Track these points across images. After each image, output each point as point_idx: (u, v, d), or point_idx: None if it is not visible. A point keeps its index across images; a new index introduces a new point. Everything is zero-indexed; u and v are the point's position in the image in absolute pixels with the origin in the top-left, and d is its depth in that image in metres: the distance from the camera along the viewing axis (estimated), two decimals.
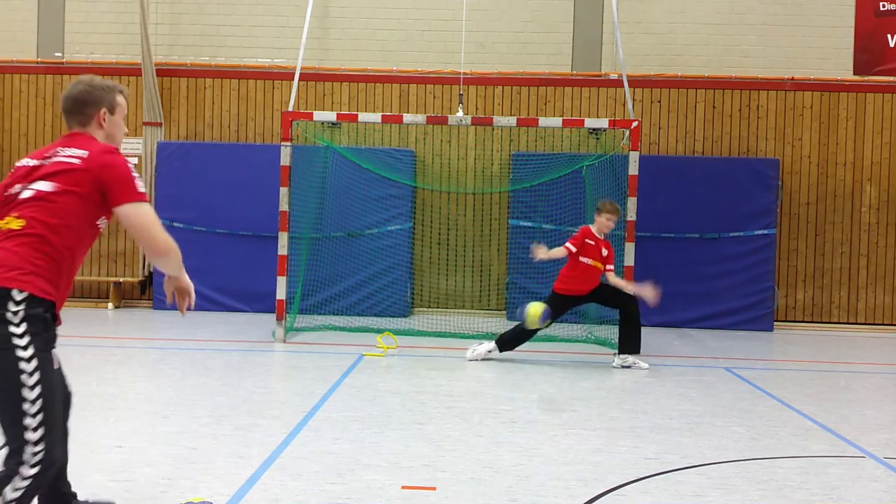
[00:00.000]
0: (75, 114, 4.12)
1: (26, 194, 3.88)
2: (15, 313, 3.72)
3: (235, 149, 14.07)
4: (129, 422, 6.80)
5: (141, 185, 3.97)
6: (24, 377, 3.72)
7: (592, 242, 9.94)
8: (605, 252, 9.96)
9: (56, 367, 3.98)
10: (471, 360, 10.03)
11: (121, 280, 14.18)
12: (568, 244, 9.95)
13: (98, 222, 4.00)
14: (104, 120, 4.13)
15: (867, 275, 14.28)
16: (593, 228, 10.02)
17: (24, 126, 14.54)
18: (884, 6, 12.61)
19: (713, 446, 6.59)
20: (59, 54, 14.46)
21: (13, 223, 3.82)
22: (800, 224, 14.31)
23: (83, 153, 3.92)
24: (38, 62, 14.44)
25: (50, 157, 3.96)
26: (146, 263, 14.29)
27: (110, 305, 13.94)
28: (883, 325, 14.24)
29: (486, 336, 11.88)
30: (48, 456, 3.78)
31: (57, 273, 3.86)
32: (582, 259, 9.90)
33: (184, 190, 13.77)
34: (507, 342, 10.18)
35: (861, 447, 6.71)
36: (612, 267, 10.03)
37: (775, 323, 13.91)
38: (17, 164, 4.09)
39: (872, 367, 11.08)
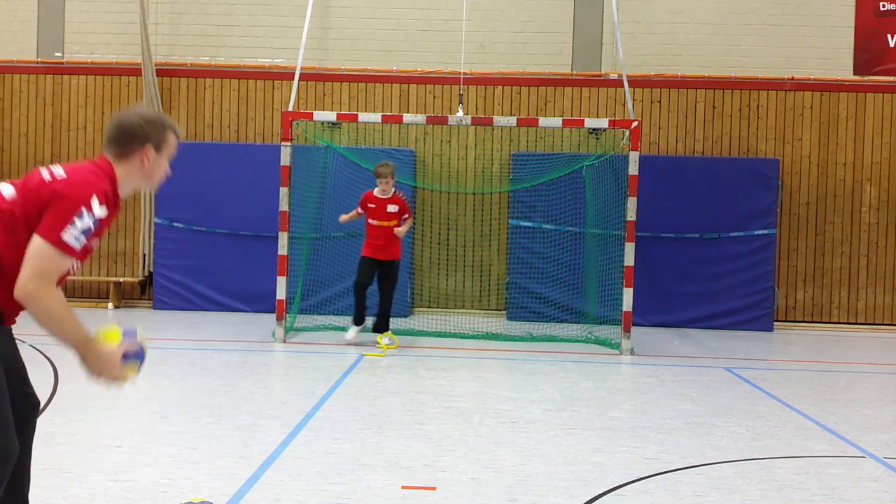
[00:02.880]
0: (117, 143, 3.71)
1: None
2: None
3: (235, 149, 14.07)
4: (129, 422, 6.80)
5: (74, 237, 3.42)
6: None
7: (373, 205, 10.65)
8: (393, 208, 10.66)
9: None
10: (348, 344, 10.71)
11: (121, 280, 14.18)
12: (358, 208, 10.82)
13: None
14: (148, 158, 3.73)
15: (867, 275, 14.28)
16: (375, 192, 10.72)
17: (24, 126, 14.54)
18: (884, 6, 12.60)
19: (713, 446, 6.60)
20: (59, 54, 14.46)
21: None
22: (800, 224, 14.31)
23: (62, 173, 3.53)
24: (38, 62, 14.44)
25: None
26: (146, 263, 14.29)
27: (110, 305, 13.94)
28: (883, 325, 14.24)
29: (486, 336, 11.91)
30: (2, 461, 3.52)
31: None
32: (369, 221, 10.69)
33: (184, 190, 13.75)
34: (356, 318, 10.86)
35: (861, 447, 6.71)
36: (407, 216, 10.79)
37: (775, 323, 13.91)
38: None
39: (872, 367, 11.08)
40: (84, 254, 3.52)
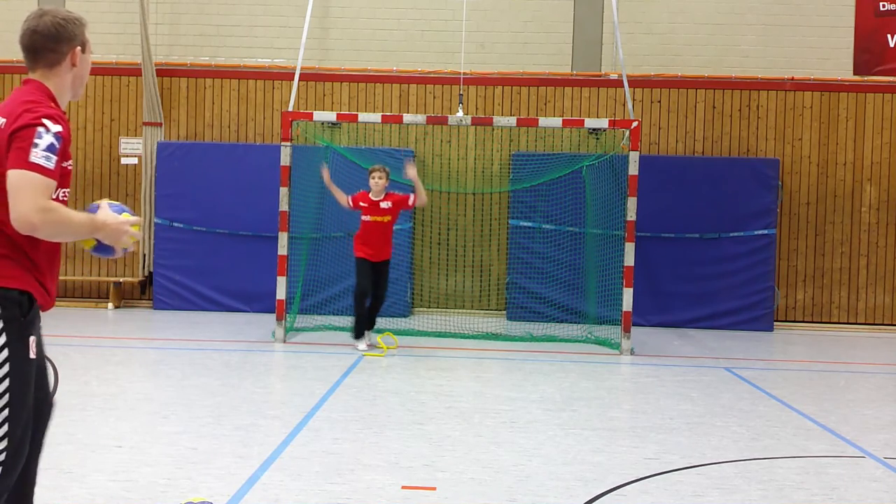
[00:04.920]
0: (47, 52, 3.56)
1: None
2: None
3: (235, 149, 14.07)
4: (129, 422, 6.80)
5: (43, 156, 3.32)
6: None
7: (365, 204, 10.45)
8: (386, 204, 10.46)
9: (33, 357, 3.46)
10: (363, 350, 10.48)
11: (121, 280, 14.17)
12: (349, 199, 10.59)
13: (55, 193, 3.42)
14: (78, 59, 3.60)
15: (867, 275, 14.28)
16: (370, 193, 10.51)
17: None
18: (884, 6, 12.61)
19: (713, 446, 6.60)
20: None
21: None
22: (800, 224, 14.30)
23: (14, 110, 3.43)
24: None
25: None
26: (146, 263, 14.29)
27: (110, 305, 13.94)
28: (883, 325, 14.24)
29: (486, 336, 11.90)
30: (12, 454, 3.39)
31: (22, 254, 3.42)
32: (363, 218, 10.47)
33: (184, 190, 13.77)
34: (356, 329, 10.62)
35: (861, 447, 6.72)
36: (412, 202, 10.65)
37: (775, 323, 13.91)
38: None
39: (872, 367, 11.08)
40: (63, 178, 3.44)
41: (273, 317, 11.67)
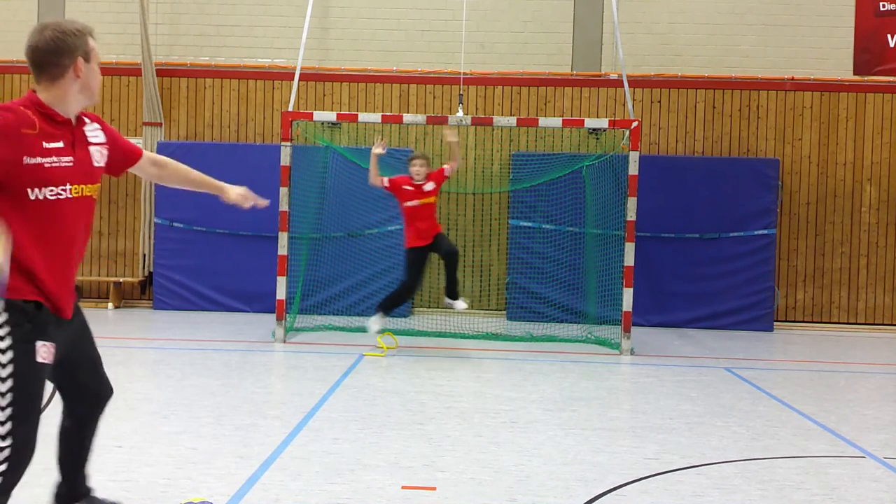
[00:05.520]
0: (50, 66, 3.69)
1: None
2: None
3: (235, 149, 14.07)
4: (129, 422, 6.80)
5: None
6: None
7: (410, 188, 10.41)
8: (430, 186, 10.44)
9: (43, 359, 3.70)
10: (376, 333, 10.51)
11: (121, 280, 14.18)
12: (385, 182, 10.53)
13: (33, 194, 3.59)
14: (81, 69, 3.73)
15: (867, 275, 14.28)
16: (411, 177, 10.49)
17: None
18: (884, 6, 12.61)
19: (713, 446, 6.60)
20: None
21: None
22: (800, 224, 14.31)
23: None
24: None
25: None
26: (146, 263, 14.29)
27: (110, 305, 13.94)
28: (883, 325, 14.24)
29: (486, 336, 11.91)
30: (17, 451, 3.61)
31: (24, 262, 3.59)
32: (406, 204, 10.41)
33: (184, 190, 13.75)
34: (386, 304, 10.62)
35: (861, 447, 6.72)
36: (447, 172, 10.58)
37: (775, 323, 13.91)
38: None
39: (872, 367, 11.08)
40: (29, 175, 3.55)
41: (273, 317, 11.67)
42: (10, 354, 3.55)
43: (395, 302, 10.68)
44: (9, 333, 3.55)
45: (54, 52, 3.66)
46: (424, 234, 10.45)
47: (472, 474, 5.66)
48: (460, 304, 10.69)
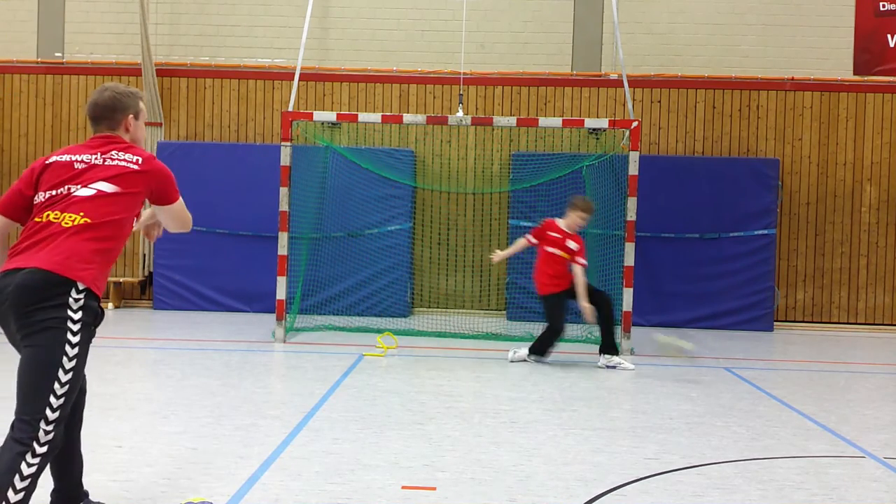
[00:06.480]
0: (105, 119, 4.43)
1: (85, 192, 4.17)
2: (76, 300, 4.02)
3: (235, 149, 14.07)
4: (129, 422, 6.80)
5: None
6: (64, 359, 3.98)
7: (558, 235, 9.94)
8: (573, 245, 9.90)
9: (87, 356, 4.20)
10: (511, 361, 10.06)
11: (121, 280, 14.18)
12: (528, 236, 10.07)
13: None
14: (131, 125, 4.46)
15: (867, 275, 14.28)
16: (560, 222, 10.02)
17: (23, 126, 14.54)
18: (884, 6, 12.61)
19: (713, 446, 6.59)
20: (59, 54, 14.46)
21: (78, 220, 4.10)
22: (800, 224, 14.31)
23: (138, 158, 4.31)
24: (38, 62, 14.44)
25: (105, 159, 4.27)
26: (146, 263, 14.30)
27: (110, 305, 13.94)
28: (883, 325, 14.24)
29: (486, 336, 11.91)
30: (57, 438, 3.98)
31: (107, 269, 4.22)
32: (548, 249, 9.93)
33: (184, 190, 13.35)
34: (538, 349, 10.10)
35: (861, 447, 6.71)
36: (583, 261, 9.89)
37: (775, 323, 13.91)
38: (57, 159, 4.28)
39: (872, 367, 11.08)
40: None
41: (273, 317, 11.67)
42: (77, 350, 4.02)
43: (548, 344, 10.05)
44: (80, 330, 4.03)
45: (110, 109, 4.42)
46: (564, 283, 9.89)
47: (472, 474, 5.66)
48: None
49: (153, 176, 4.36)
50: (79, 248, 4.06)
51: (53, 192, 4.18)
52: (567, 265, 9.91)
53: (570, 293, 9.88)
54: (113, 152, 4.30)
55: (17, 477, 3.85)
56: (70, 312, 4.00)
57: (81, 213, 4.11)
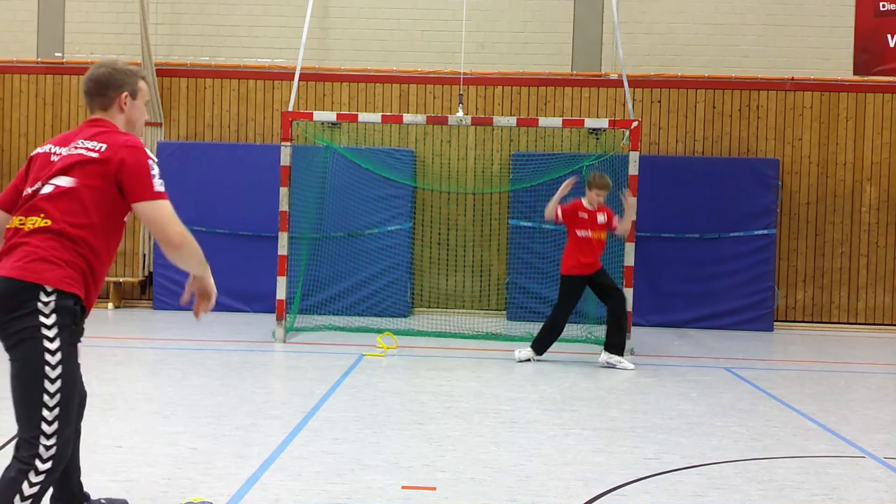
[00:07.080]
0: (97, 96, 4.12)
1: (46, 190, 3.88)
2: (46, 304, 3.77)
3: (235, 149, 14.07)
4: (129, 422, 6.80)
5: (158, 182, 3.92)
6: (47, 369, 3.75)
7: (585, 215, 9.93)
8: (602, 218, 9.96)
9: (79, 359, 3.96)
10: (519, 362, 10.07)
11: (121, 280, 14.18)
12: (559, 211, 9.96)
13: (125, 217, 4.04)
14: (125, 104, 4.13)
15: (867, 275, 14.28)
16: (584, 202, 10.01)
17: (24, 126, 14.54)
18: (884, 6, 12.60)
19: (713, 446, 6.59)
20: (59, 54, 14.46)
21: (39, 222, 3.83)
22: (800, 224, 14.31)
23: (101, 146, 3.91)
24: (38, 62, 14.44)
25: (72, 148, 3.94)
26: (146, 263, 14.29)
27: (110, 305, 13.94)
28: (883, 325, 14.24)
29: (486, 336, 11.91)
30: (60, 451, 3.80)
31: (84, 268, 3.88)
32: (579, 234, 9.94)
33: (184, 190, 13.70)
34: (539, 344, 10.15)
35: (861, 447, 6.71)
36: (616, 224, 10.04)
37: (775, 323, 13.91)
38: (39, 151, 4.07)
39: (872, 367, 11.08)
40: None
41: (273, 317, 11.67)
42: (59, 356, 3.77)
43: (550, 335, 10.11)
44: (58, 335, 3.77)
45: (103, 85, 4.11)
46: (591, 262, 9.93)
47: (472, 474, 5.66)
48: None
49: (115, 165, 3.87)
50: (40, 250, 3.78)
51: (29, 190, 3.94)
52: (597, 249, 9.98)
53: (592, 279, 9.97)
54: (80, 140, 3.95)
55: (17, 497, 3.71)
56: (42, 318, 3.75)
57: (42, 216, 3.84)
